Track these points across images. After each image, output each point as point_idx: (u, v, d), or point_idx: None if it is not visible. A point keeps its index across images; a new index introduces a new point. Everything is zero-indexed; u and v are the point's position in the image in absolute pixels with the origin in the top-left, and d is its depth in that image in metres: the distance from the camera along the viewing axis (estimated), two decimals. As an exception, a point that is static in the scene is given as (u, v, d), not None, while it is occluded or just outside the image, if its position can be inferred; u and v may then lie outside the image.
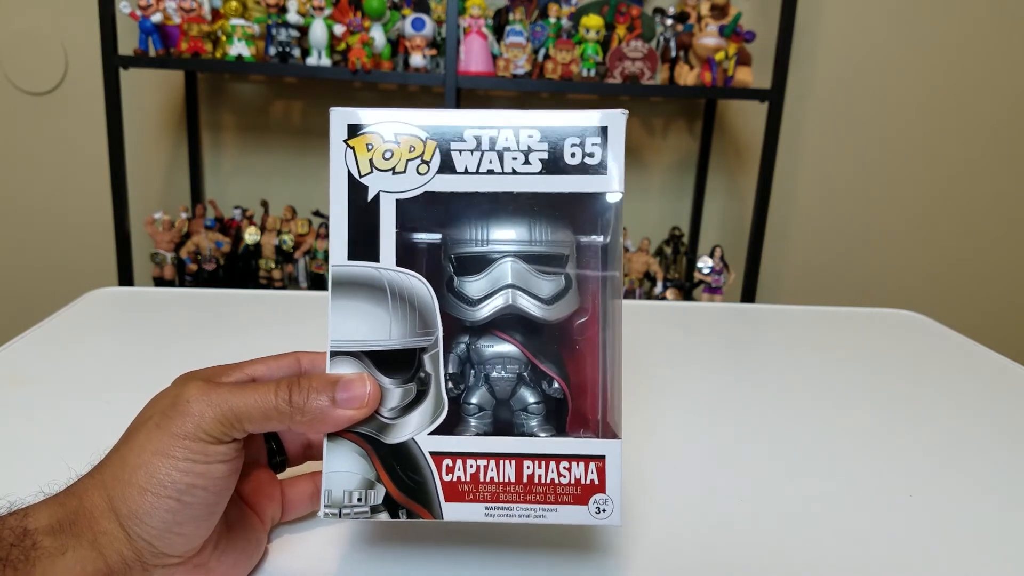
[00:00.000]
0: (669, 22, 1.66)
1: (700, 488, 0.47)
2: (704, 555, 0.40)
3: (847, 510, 0.45)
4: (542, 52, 1.59)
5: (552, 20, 1.58)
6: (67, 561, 0.29)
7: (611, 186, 0.35)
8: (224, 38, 1.53)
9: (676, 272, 1.86)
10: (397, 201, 0.34)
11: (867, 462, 0.51)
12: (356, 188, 0.34)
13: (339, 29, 1.51)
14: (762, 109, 1.62)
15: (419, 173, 0.34)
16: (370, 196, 0.34)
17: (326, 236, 1.67)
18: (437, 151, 0.34)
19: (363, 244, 0.34)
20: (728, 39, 1.57)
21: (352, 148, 0.34)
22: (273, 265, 1.68)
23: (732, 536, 0.42)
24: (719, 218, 2.00)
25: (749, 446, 0.53)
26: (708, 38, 1.58)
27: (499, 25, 1.62)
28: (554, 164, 0.34)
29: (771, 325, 0.85)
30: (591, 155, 0.34)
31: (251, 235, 1.67)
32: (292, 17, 1.52)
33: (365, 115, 0.35)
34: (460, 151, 0.34)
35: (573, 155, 0.34)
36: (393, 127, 0.34)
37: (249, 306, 0.80)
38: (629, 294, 1.71)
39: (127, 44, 1.58)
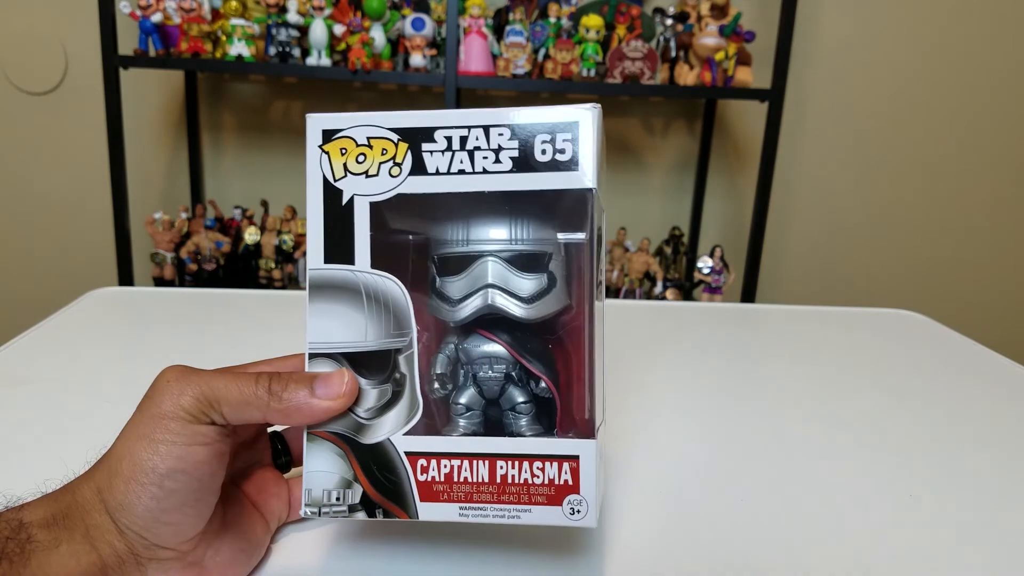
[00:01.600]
0: (669, 22, 1.66)
1: (698, 488, 0.47)
2: (702, 554, 0.40)
3: (847, 511, 0.45)
4: (542, 52, 1.59)
5: (552, 20, 1.59)
6: (61, 554, 0.29)
7: (584, 182, 0.34)
8: (224, 38, 1.53)
9: (676, 272, 1.86)
10: (371, 204, 0.35)
11: (867, 462, 0.51)
12: (331, 192, 0.35)
13: (339, 29, 1.51)
14: (762, 109, 1.62)
15: (391, 176, 0.34)
16: (344, 200, 0.35)
17: (326, 236, 1.67)
18: (409, 153, 0.34)
19: (338, 247, 0.35)
20: (728, 39, 1.57)
21: (327, 153, 0.35)
22: (273, 265, 1.68)
23: (730, 537, 0.42)
24: (719, 218, 2.00)
25: (748, 446, 0.53)
26: (708, 38, 1.58)
27: (499, 25, 1.62)
28: (524, 162, 0.34)
29: (771, 325, 0.85)
30: (562, 151, 0.34)
31: (251, 235, 1.67)
32: (292, 17, 1.52)
33: (339, 119, 0.35)
34: (431, 152, 0.34)
35: (544, 152, 0.34)
36: (366, 130, 0.35)
37: (249, 306, 0.80)
38: (629, 294, 1.71)
39: (127, 44, 1.58)
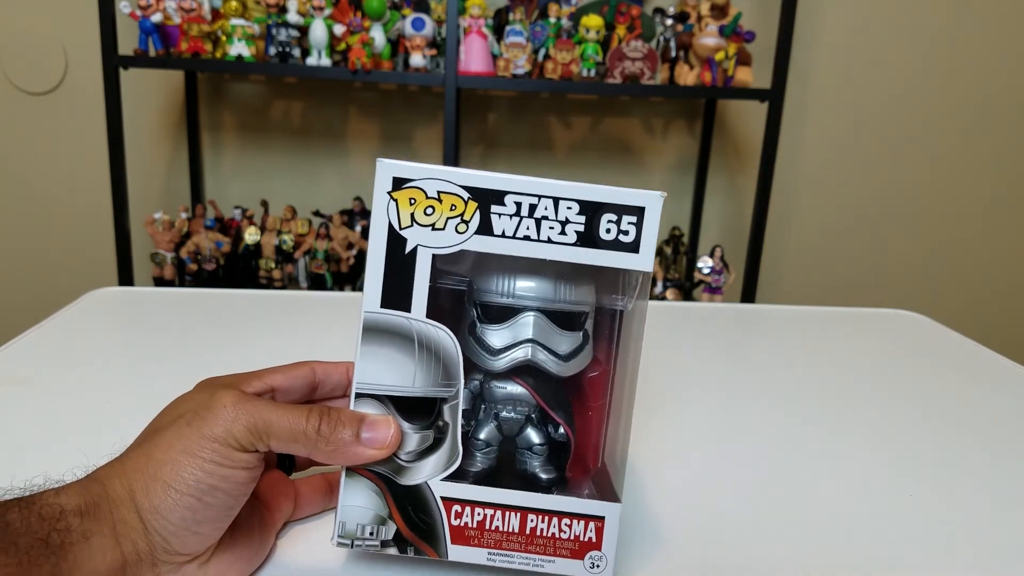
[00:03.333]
0: (669, 22, 1.66)
1: (698, 486, 0.47)
2: (703, 554, 0.40)
3: (847, 511, 0.45)
4: (542, 52, 1.59)
5: (552, 20, 1.58)
6: (91, 547, 0.30)
7: (642, 265, 0.35)
8: (224, 38, 1.53)
9: (676, 272, 1.86)
10: (433, 256, 0.35)
11: (867, 462, 0.51)
12: (395, 239, 0.35)
13: (339, 29, 1.51)
14: (762, 109, 1.62)
15: (458, 232, 0.35)
16: (408, 249, 0.35)
17: (326, 236, 1.67)
18: (477, 212, 0.35)
19: (397, 294, 0.35)
20: (728, 39, 1.57)
21: (395, 200, 0.35)
22: (273, 265, 1.68)
23: (731, 535, 0.42)
24: (719, 218, 2.00)
25: (748, 446, 0.53)
26: (708, 38, 1.58)
27: (499, 25, 1.62)
28: (589, 238, 0.35)
29: (771, 325, 0.85)
30: (626, 233, 0.35)
31: (251, 235, 1.67)
32: (292, 17, 1.52)
33: (411, 169, 0.35)
34: (499, 215, 0.35)
35: (608, 231, 0.35)
36: (437, 184, 0.35)
37: (249, 306, 0.80)
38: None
39: (127, 44, 1.58)
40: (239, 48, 1.51)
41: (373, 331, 0.35)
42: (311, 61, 1.54)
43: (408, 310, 0.35)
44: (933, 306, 1.96)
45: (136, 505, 0.31)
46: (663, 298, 1.72)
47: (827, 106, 1.94)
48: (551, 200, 0.35)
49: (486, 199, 0.35)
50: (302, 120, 1.90)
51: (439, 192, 0.35)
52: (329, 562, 0.38)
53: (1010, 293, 2.11)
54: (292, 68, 1.54)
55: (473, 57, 1.56)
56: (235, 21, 1.51)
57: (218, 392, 0.34)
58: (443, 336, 0.36)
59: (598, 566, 0.36)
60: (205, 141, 1.90)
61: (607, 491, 0.37)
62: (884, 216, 2.03)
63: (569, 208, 0.35)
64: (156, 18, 1.49)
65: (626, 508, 0.44)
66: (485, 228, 0.35)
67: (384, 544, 0.36)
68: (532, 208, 0.35)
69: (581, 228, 0.35)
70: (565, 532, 0.36)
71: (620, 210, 0.35)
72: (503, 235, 0.35)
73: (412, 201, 0.35)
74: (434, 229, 0.35)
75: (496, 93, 1.89)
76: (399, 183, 0.35)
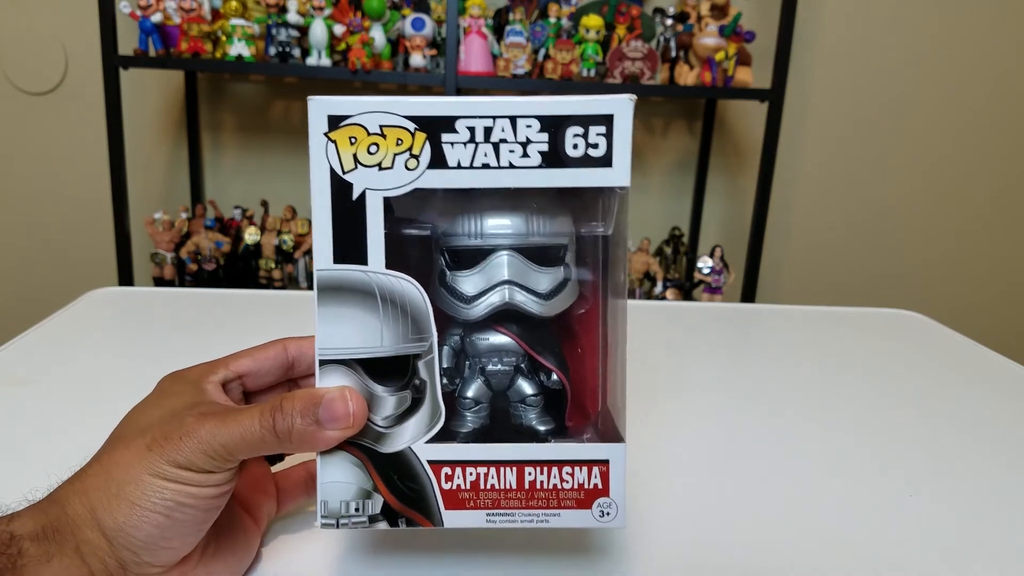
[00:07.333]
0: (669, 22, 1.66)
1: (700, 488, 0.47)
2: (704, 554, 0.40)
3: (847, 511, 0.45)
4: (542, 52, 1.59)
5: (552, 20, 1.58)
6: (52, 568, 0.29)
7: (617, 180, 0.31)
8: (224, 38, 1.53)
9: (676, 272, 1.86)
10: (385, 199, 0.32)
11: (867, 463, 0.51)
12: (340, 186, 0.31)
13: (339, 29, 1.51)
14: (762, 109, 1.62)
15: (408, 168, 0.31)
16: (355, 195, 0.31)
17: (326, 236, 1.67)
18: (427, 144, 0.31)
19: (349, 246, 0.32)
20: (728, 39, 1.57)
21: (334, 142, 0.31)
22: (273, 265, 1.68)
23: (732, 535, 0.42)
24: (719, 218, 2.00)
25: (749, 446, 0.53)
26: (708, 38, 1.58)
27: (499, 25, 1.62)
28: (555, 157, 0.31)
29: (771, 325, 0.85)
30: (595, 146, 0.31)
31: (251, 235, 1.67)
32: (292, 17, 1.52)
33: (347, 104, 0.31)
34: (452, 143, 0.31)
35: (575, 146, 0.31)
36: (378, 117, 0.31)
37: (249, 306, 0.80)
38: (629, 294, 1.71)
39: (127, 44, 1.58)
40: (239, 48, 1.51)
41: (329, 290, 0.32)
42: (311, 61, 1.54)
43: (365, 263, 0.32)
44: (933, 306, 1.96)
45: (99, 524, 0.30)
46: (663, 298, 1.72)
47: (827, 106, 1.94)
48: (507, 120, 0.31)
49: (435, 128, 0.31)
50: (302, 120, 1.89)
51: (382, 126, 0.31)
52: (322, 557, 0.38)
53: (1010, 293, 2.11)
54: (292, 68, 1.54)
55: (473, 57, 1.56)
56: (235, 21, 1.51)
57: (180, 421, 0.31)
58: (408, 287, 0.32)
59: (608, 513, 0.33)
60: (205, 141, 1.90)
61: (609, 433, 0.34)
62: (884, 216, 2.03)
63: (529, 126, 0.31)
64: (156, 18, 1.49)
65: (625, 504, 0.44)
66: (438, 161, 0.31)
67: (372, 519, 0.33)
68: (488, 132, 0.31)
69: (545, 147, 0.31)
70: (568, 481, 0.32)
71: (586, 121, 0.31)
72: (459, 166, 0.31)
73: (353, 140, 0.31)
74: (381, 169, 0.31)
75: (496, 93, 1.89)
76: (336, 121, 0.31)
